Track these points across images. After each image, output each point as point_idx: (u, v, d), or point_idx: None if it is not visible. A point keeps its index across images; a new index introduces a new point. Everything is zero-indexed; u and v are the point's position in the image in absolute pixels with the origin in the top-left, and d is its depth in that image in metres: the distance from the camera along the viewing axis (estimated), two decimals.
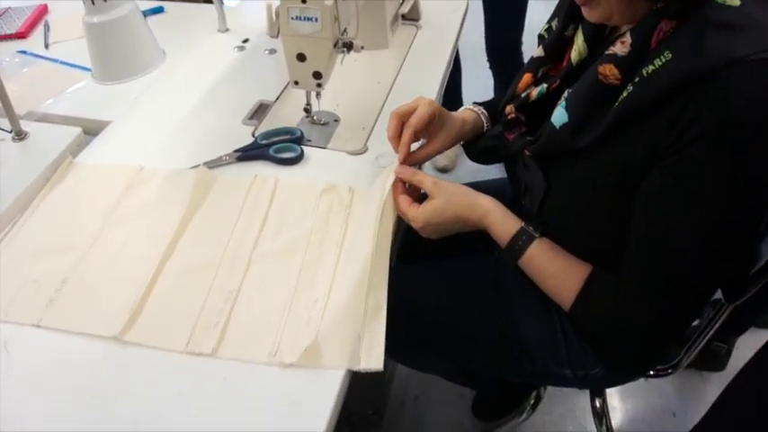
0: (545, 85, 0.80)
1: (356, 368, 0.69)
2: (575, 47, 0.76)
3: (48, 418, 0.64)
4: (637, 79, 0.64)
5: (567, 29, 0.80)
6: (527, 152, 0.81)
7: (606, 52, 0.68)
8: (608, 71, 0.67)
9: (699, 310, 0.72)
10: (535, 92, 0.81)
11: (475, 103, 1.01)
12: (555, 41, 0.82)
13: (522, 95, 0.83)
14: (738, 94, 0.58)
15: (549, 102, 0.78)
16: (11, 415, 0.65)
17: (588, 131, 0.69)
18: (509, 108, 0.84)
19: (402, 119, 0.86)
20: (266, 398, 0.66)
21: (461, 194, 0.83)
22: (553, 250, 0.78)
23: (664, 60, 0.61)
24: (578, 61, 0.76)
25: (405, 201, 0.84)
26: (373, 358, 0.69)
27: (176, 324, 0.73)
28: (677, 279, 0.67)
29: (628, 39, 0.65)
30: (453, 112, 0.95)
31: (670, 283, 0.67)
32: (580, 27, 0.77)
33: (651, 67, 0.62)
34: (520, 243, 0.79)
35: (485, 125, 0.98)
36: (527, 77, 0.85)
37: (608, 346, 0.76)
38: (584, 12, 0.70)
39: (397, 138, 0.86)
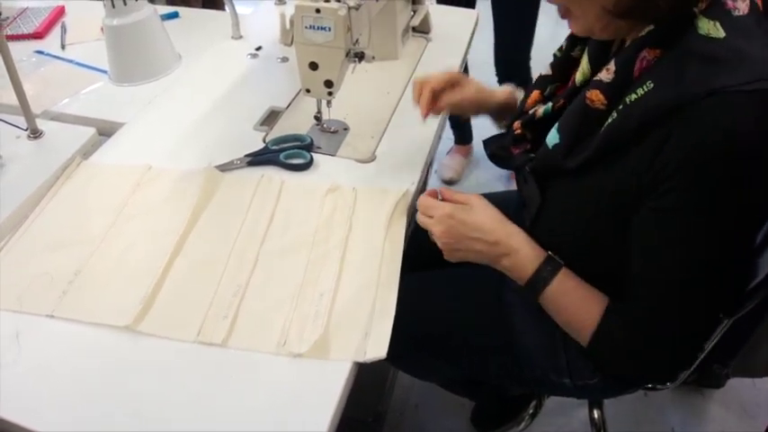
0: (551, 104, 0.81)
1: (361, 360, 0.70)
2: (580, 68, 0.78)
3: (59, 408, 0.66)
4: (621, 107, 0.66)
5: (573, 49, 0.83)
6: (527, 168, 0.82)
7: (594, 78, 0.70)
8: (594, 97, 0.69)
9: (701, 327, 0.75)
10: (541, 110, 0.82)
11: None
12: (561, 61, 0.85)
13: (530, 112, 0.85)
14: (714, 127, 0.58)
15: (552, 121, 0.79)
16: (23, 405, 0.66)
17: (577, 153, 0.72)
18: (516, 124, 0.86)
19: (422, 84, 0.94)
20: (272, 392, 0.67)
21: (495, 211, 0.82)
22: (573, 280, 0.77)
23: (646, 90, 0.63)
24: (582, 81, 0.77)
25: (431, 195, 0.86)
26: (378, 349, 0.71)
27: (187, 315, 0.75)
28: (677, 305, 0.69)
29: (612, 66, 0.67)
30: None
31: (673, 311, 0.69)
32: (586, 48, 0.79)
33: (634, 96, 0.64)
34: (546, 272, 0.77)
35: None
36: (535, 95, 0.87)
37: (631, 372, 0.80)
38: (569, 25, 0.73)
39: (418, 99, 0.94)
